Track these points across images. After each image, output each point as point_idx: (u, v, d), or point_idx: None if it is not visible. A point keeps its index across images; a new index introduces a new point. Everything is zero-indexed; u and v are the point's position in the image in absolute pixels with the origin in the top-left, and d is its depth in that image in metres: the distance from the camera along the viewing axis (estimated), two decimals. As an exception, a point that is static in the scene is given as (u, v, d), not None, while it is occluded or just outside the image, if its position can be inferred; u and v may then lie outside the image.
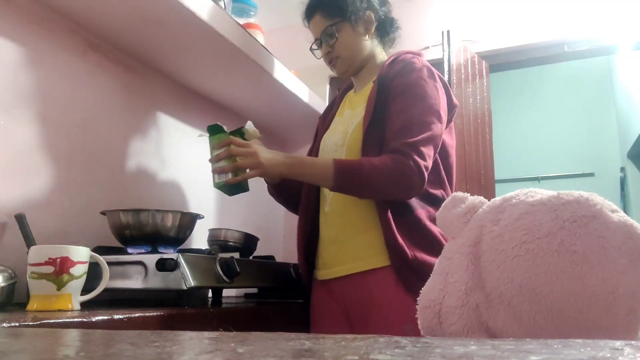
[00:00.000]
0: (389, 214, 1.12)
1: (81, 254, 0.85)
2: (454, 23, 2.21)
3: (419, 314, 0.55)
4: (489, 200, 0.58)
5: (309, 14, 1.33)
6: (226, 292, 1.47)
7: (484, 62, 2.19)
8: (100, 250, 1.08)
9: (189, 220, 1.22)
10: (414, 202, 1.14)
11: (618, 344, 0.30)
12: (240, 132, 1.26)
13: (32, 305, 0.81)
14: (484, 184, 2.05)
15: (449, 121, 1.24)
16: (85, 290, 0.87)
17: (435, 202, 1.18)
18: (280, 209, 1.54)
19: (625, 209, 3.67)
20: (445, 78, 1.91)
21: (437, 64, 2.01)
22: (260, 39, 1.66)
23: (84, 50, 1.30)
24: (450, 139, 1.25)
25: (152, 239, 1.15)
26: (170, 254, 1.01)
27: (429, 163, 1.12)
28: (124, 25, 1.28)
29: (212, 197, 1.74)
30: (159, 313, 0.84)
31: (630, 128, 3.53)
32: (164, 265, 0.97)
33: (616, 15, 2.03)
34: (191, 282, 0.97)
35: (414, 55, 1.26)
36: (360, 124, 1.21)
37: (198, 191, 1.68)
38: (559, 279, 0.46)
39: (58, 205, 1.19)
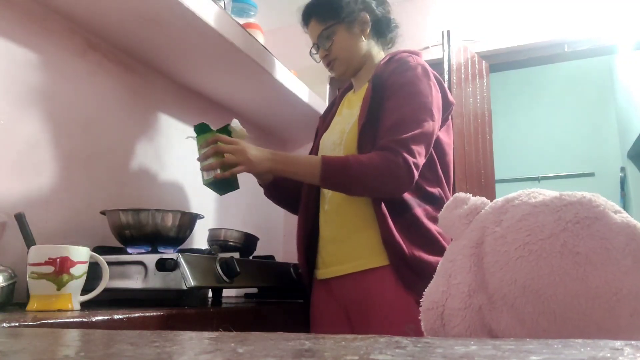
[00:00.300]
0: (386, 212, 1.12)
1: (81, 254, 0.85)
2: (454, 23, 2.21)
3: (422, 316, 0.55)
4: (490, 200, 0.58)
5: (306, 19, 1.36)
6: (226, 292, 1.47)
7: (484, 62, 2.19)
8: (100, 250, 1.08)
9: (189, 220, 1.22)
10: (412, 200, 1.15)
11: (618, 344, 0.30)
12: (226, 131, 1.26)
13: (32, 305, 0.81)
14: (484, 184, 2.05)
15: (445, 119, 1.24)
16: (85, 290, 0.87)
17: (432, 200, 1.18)
18: (280, 209, 1.54)
19: (625, 209, 3.67)
20: (445, 78, 1.91)
21: (437, 64, 2.01)
22: (260, 39, 1.66)
23: (83, 50, 1.30)
24: (447, 137, 1.25)
25: (152, 239, 1.15)
26: (170, 254, 1.01)
27: (420, 160, 1.11)
28: (124, 25, 1.28)
29: (212, 197, 1.74)
30: (159, 313, 0.84)
31: (630, 128, 3.53)
32: (164, 265, 0.97)
33: (616, 15, 2.03)
34: (191, 282, 0.97)
35: (410, 54, 1.26)
36: (356, 123, 1.21)
37: (198, 191, 1.68)
38: (563, 281, 0.46)
39: (58, 205, 1.19)
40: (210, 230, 1.58)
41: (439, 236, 1.13)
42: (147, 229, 1.14)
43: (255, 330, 0.39)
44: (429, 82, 1.18)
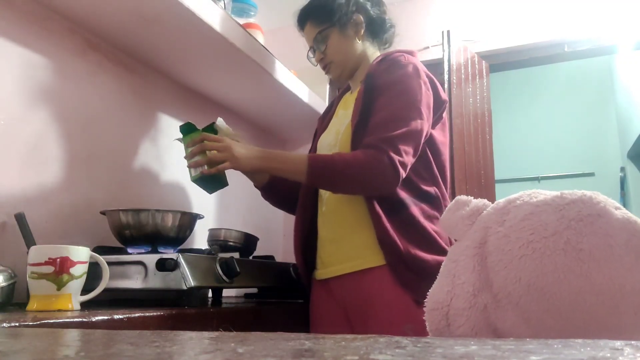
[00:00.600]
0: (381, 212, 1.12)
1: (81, 254, 0.85)
2: (454, 23, 2.21)
3: (427, 317, 0.55)
4: (490, 201, 0.58)
5: (301, 23, 1.37)
6: (226, 292, 1.47)
7: (484, 62, 2.19)
8: (100, 250, 1.08)
9: (189, 220, 1.22)
10: (408, 199, 1.15)
11: (618, 344, 0.30)
12: (212, 129, 1.27)
13: (32, 305, 0.81)
14: (484, 184, 2.05)
15: (439, 117, 1.24)
16: (85, 290, 0.87)
17: (429, 199, 1.18)
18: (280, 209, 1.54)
19: (625, 208, 3.67)
20: (445, 78, 1.91)
21: (437, 64, 2.01)
22: (260, 39, 1.66)
23: (83, 50, 1.30)
24: (442, 136, 1.25)
25: (152, 238, 1.15)
26: (170, 254, 1.01)
27: (407, 159, 1.11)
28: (124, 25, 1.28)
29: (212, 197, 1.74)
30: (159, 313, 0.84)
31: (630, 128, 3.53)
32: (164, 265, 0.97)
33: (616, 15, 2.03)
34: (191, 282, 0.97)
35: (402, 53, 1.26)
36: (349, 123, 1.22)
37: (198, 191, 1.67)
38: (567, 278, 0.46)
39: (58, 205, 1.19)
40: (210, 230, 1.58)
41: (435, 235, 1.14)
42: (147, 229, 1.14)
43: (255, 330, 0.39)
44: (419, 81, 1.18)
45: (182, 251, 1.15)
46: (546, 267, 0.47)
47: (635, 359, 0.26)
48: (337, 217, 1.23)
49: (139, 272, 1.00)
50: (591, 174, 4.07)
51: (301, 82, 1.83)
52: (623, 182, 3.85)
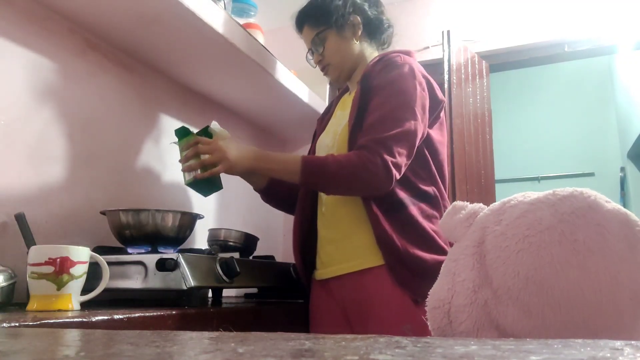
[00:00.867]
0: (378, 212, 1.12)
1: (81, 254, 0.85)
2: (454, 23, 2.21)
3: (429, 316, 0.56)
4: (490, 201, 0.59)
5: (299, 26, 1.37)
6: (226, 292, 1.47)
7: (484, 62, 2.19)
8: (100, 250, 1.08)
9: (189, 220, 1.22)
10: (406, 199, 1.15)
11: (618, 343, 0.30)
12: (207, 132, 1.27)
13: (32, 305, 0.81)
14: (484, 184, 2.05)
15: (436, 117, 1.24)
16: (85, 290, 0.87)
17: (427, 198, 1.18)
18: (280, 209, 1.54)
19: (625, 208, 3.67)
20: (445, 78, 1.91)
21: (437, 64, 2.01)
22: (260, 39, 1.66)
23: (83, 50, 1.30)
24: (440, 136, 1.25)
25: (152, 239, 1.15)
26: (170, 254, 1.01)
27: (400, 160, 1.11)
28: (124, 25, 1.28)
29: (212, 197, 1.74)
30: (159, 313, 0.84)
31: (630, 128, 3.53)
32: (164, 265, 0.97)
33: (616, 15, 2.03)
34: (191, 282, 0.97)
35: (399, 54, 1.26)
36: (346, 125, 1.22)
37: (198, 191, 1.68)
38: (564, 269, 0.48)
39: (58, 205, 1.19)
40: (210, 230, 1.58)
41: (434, 234, 1.14)
42: (147, 229, 1.14)
43: (255, 330, 0.39)
44: (414, 81, 1.17)
45: (182, 251, 1.15)
46: (543, 260, 0.49)
47: (635, 359, 0.26)
48: (337, 218, 1.23)
49: (139, 272, 1.00)
50: (591, 174, 4.07)
51: (301, 82, 1.83)
52: (623, 182, 3.85)
